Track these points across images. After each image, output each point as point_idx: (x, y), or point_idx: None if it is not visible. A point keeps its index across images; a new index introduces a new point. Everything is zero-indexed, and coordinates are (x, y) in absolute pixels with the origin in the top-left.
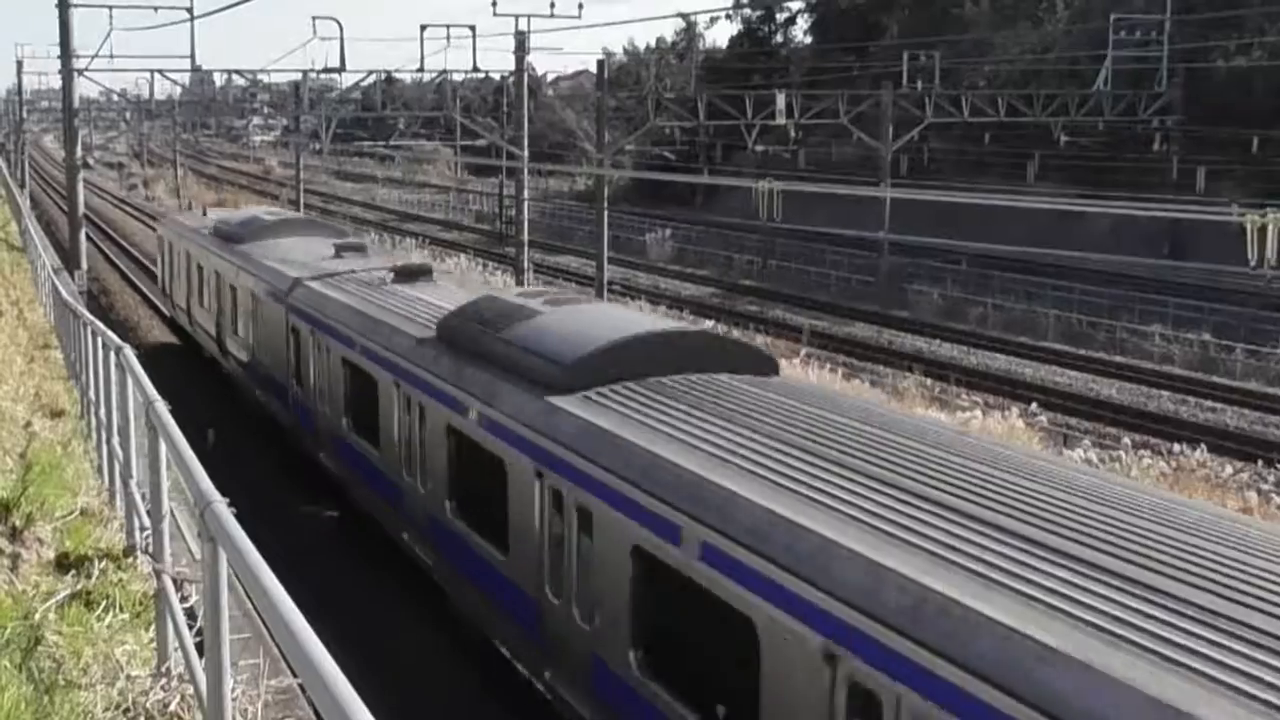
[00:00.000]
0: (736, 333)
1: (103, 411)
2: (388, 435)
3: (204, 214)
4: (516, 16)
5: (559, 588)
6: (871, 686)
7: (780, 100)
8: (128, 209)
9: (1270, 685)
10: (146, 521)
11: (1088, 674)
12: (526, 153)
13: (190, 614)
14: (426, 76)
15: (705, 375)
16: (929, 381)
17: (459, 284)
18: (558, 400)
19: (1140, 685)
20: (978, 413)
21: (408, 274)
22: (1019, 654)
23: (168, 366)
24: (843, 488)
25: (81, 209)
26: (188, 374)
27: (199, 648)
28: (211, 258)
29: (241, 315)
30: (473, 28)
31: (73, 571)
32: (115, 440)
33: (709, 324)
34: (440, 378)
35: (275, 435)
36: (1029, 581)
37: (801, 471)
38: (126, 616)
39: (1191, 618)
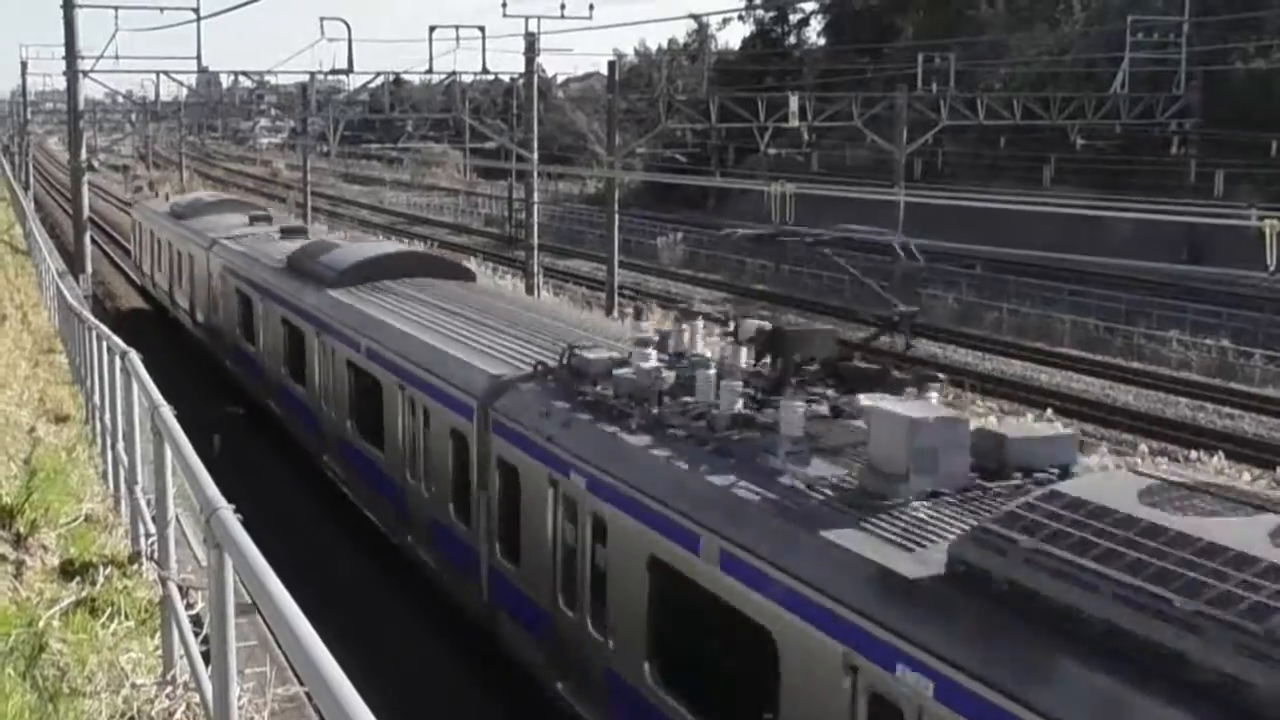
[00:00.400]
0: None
1: (108, 417)
2: (252, 331)
3: (166, 199)
4: (526, 18)
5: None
6: None
7: (793, 102)
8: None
9: None
10: (152, 528)
11: None
12: (536, 155)
13: (196, 621)
14: (435, 78)
15: (420, 279)
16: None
17: (315, 235)
18: (332, 291)
19: None
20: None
21: (289, 232)
22: None
23: (172, 370)
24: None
25: (86, 212)
26: (194, 379)
27: (205, 655)
28: (165, 231)
29: (183, 271)
30: (482, 29)
31: (77, 578)
32: (120, 446)
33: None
34: (281, 289)
35: (282, 441)
36: None
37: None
38: (132, 624)
39: None
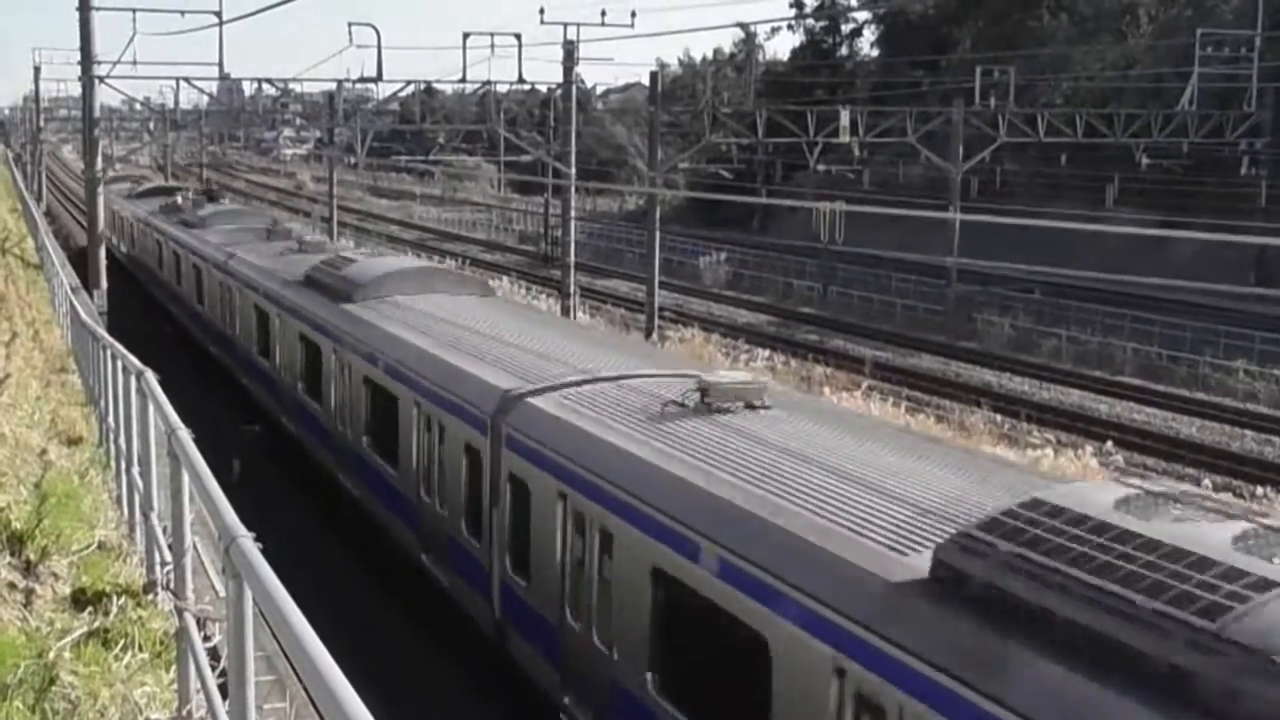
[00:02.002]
0: (794, 363)
1: (122, 439)
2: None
3: (130, 187)
4: (565, 25)
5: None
6: None
7: (844, 117)
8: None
9: None
10: (168, 556)
11: None
12: (574, 170)
13: (213, 654)
14: (469, 88)
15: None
16: (998, 418)
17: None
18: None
19: None
20: (1049, 451)
21: (155, 191)
22: None
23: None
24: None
25: (101, 225)
26: (213, 400)
27: (222, 690)
28: (125, 208)
29: (135, 238)
30: (518, 36)
31: (89, 608)
32: (135, 470)
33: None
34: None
35: (304, 465)
36: None
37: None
38: (146, 656)
39: None
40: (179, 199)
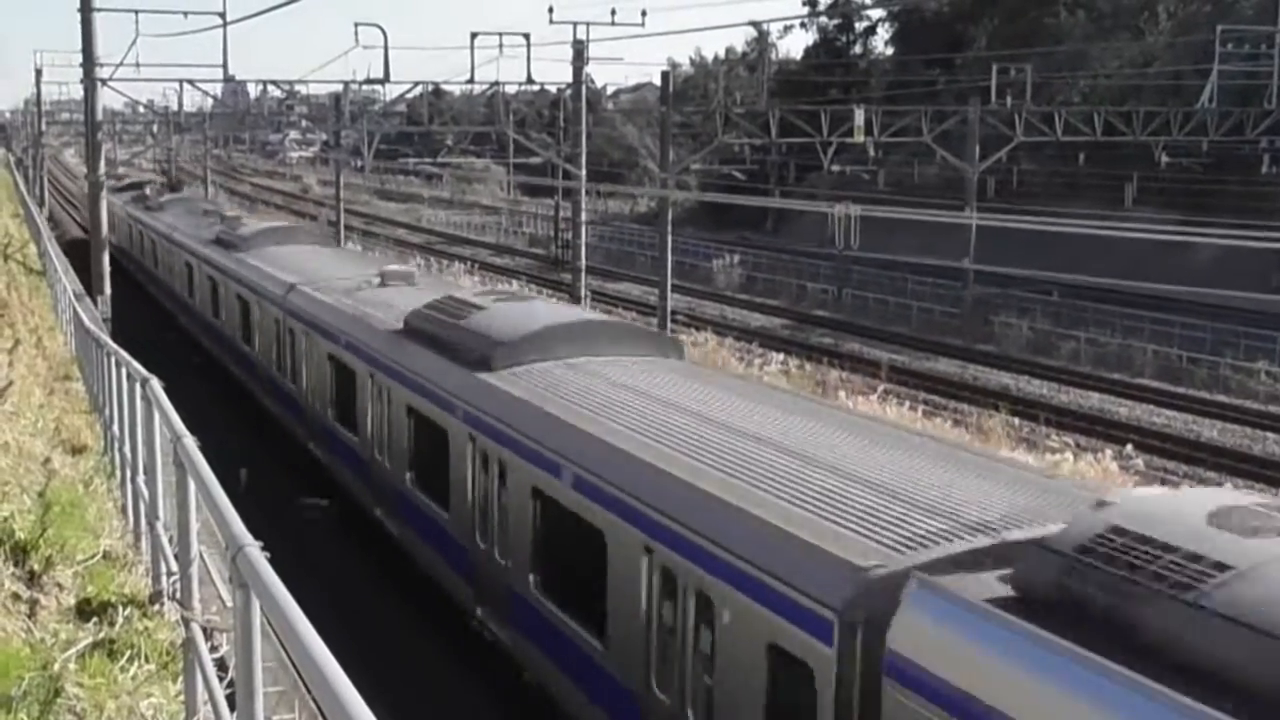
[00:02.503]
0: (809, 367)
1: (127, 448)
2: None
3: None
4: (574, 24)
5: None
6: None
7: (858, 116)
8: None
9: None
10: (174, 566)
11: None
12: (584, 171)
13: (221, 665)
14: (477, 89)
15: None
16: (1016, 421)
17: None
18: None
19: None
20: (1068, 455)
21: (130, 186)
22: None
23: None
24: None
25: (105, 229)
26: (219, 407)
27: (230, 701)
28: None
29: (114, 224)
30: (527, 36)
31: (95, 619)
32: (141, 479)
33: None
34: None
35: (317, 476)
36: None
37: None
38: (152, 667)
39: None
40: (147, 190)
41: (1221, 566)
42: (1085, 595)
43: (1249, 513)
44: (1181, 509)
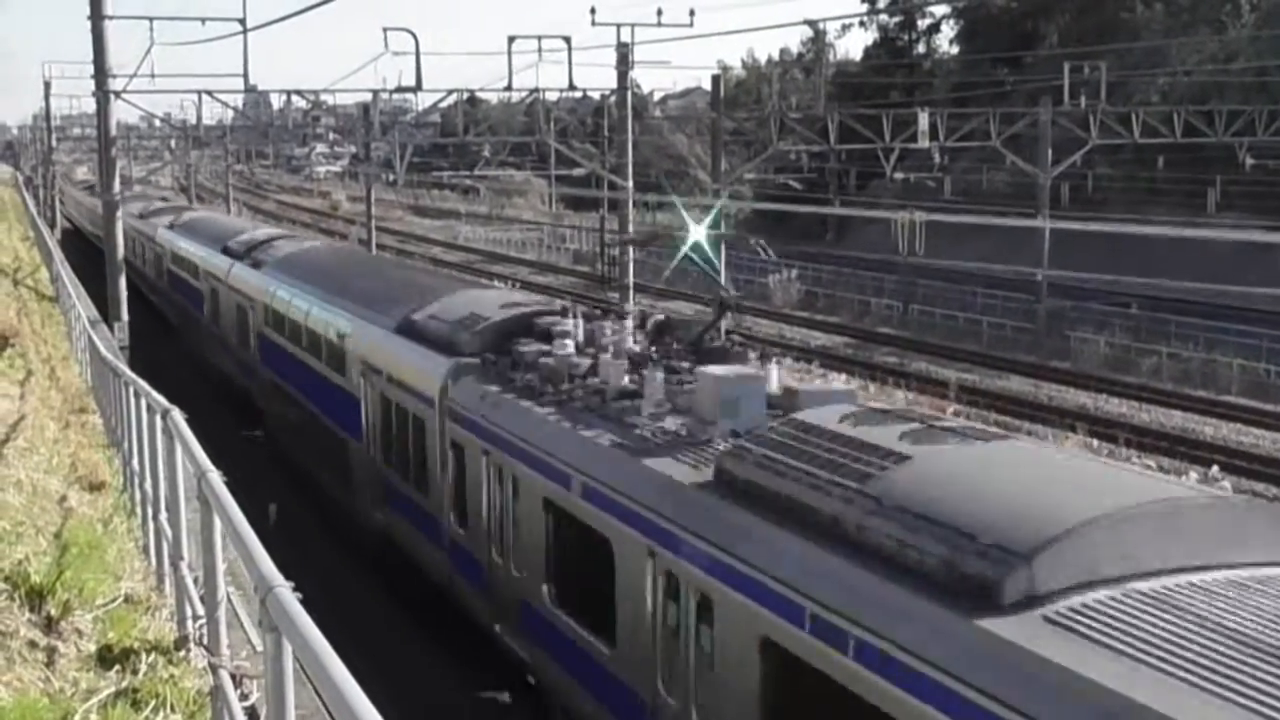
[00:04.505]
0: (873, 387)
1: (148, 484)
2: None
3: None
4: (618, 26)
5: None
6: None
7: (923, 120)
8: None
9: None
10: (200, 609)
11: None
12: (631, 183)
13: (251, 715)
14: (515, 96)
15: None
16: (1095, 442)
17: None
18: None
19: None
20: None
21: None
22: None
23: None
24: None
25: (121, 251)
26: (245, 439)
27: None
28: (85, 200)
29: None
30: (568, 39)
31: (117, 667)
32: (163, 516)
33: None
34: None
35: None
36: None
37: None
38: (179, 717)
39: None
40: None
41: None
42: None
43: (925, 414)
44: (859, 412)
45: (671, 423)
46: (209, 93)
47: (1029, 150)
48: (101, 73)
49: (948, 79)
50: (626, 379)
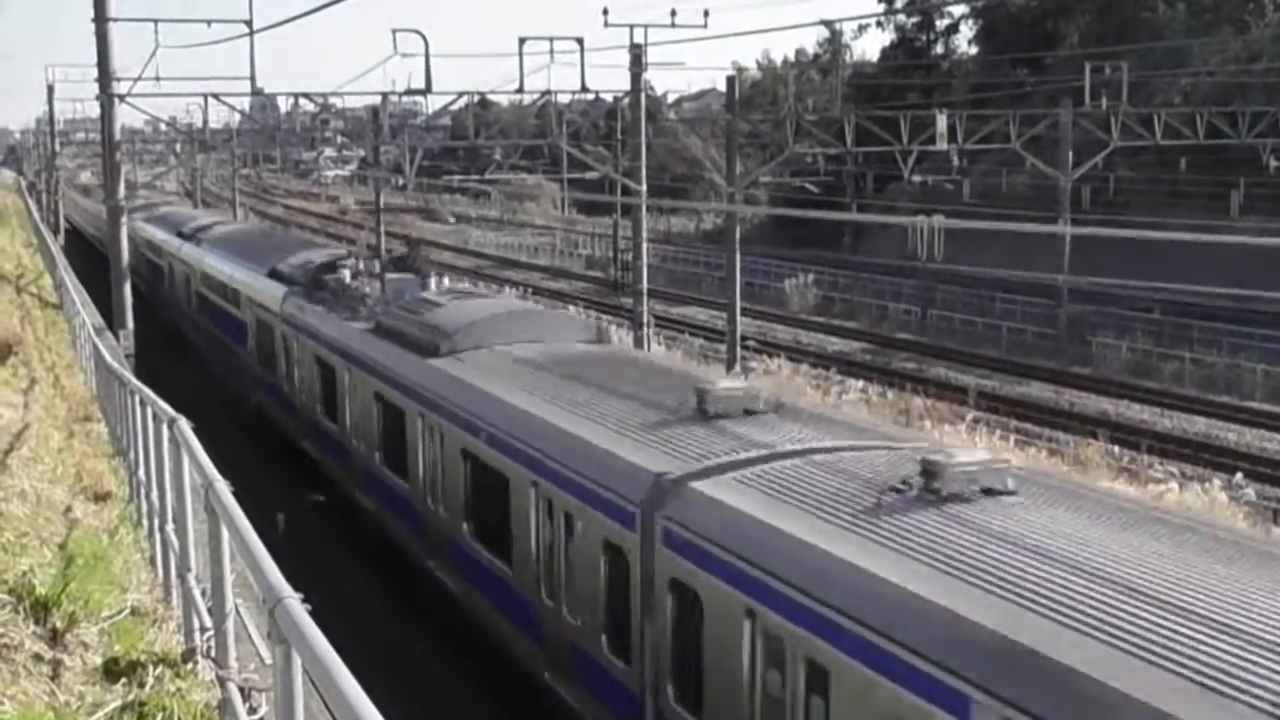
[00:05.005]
0: (891, 394)
1: (155, 494)
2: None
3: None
4: (631, 27)
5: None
6: None
7: (941, 122)
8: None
9: None
10: (208, 621)
11: None
12: (644, 187)
13: None
14: (527, 99)
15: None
16: (1116, 449)
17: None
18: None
19: None
20: (1173, 485)
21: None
22: None
23: (229, 439)
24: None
25: (125, 257)
26: (253, 448)
27: None
28: (81, 201)
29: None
30: (580, 41)
31: (123, 680)
32: (170, 527)
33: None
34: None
35: (355, 522)
36: None
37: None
38: None
39: None
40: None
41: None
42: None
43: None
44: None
45: (379, 308)
46: (215, 96)
47: (1049, 152)
48: (106, 76)
49: (966, 80)
50: (368, 289)
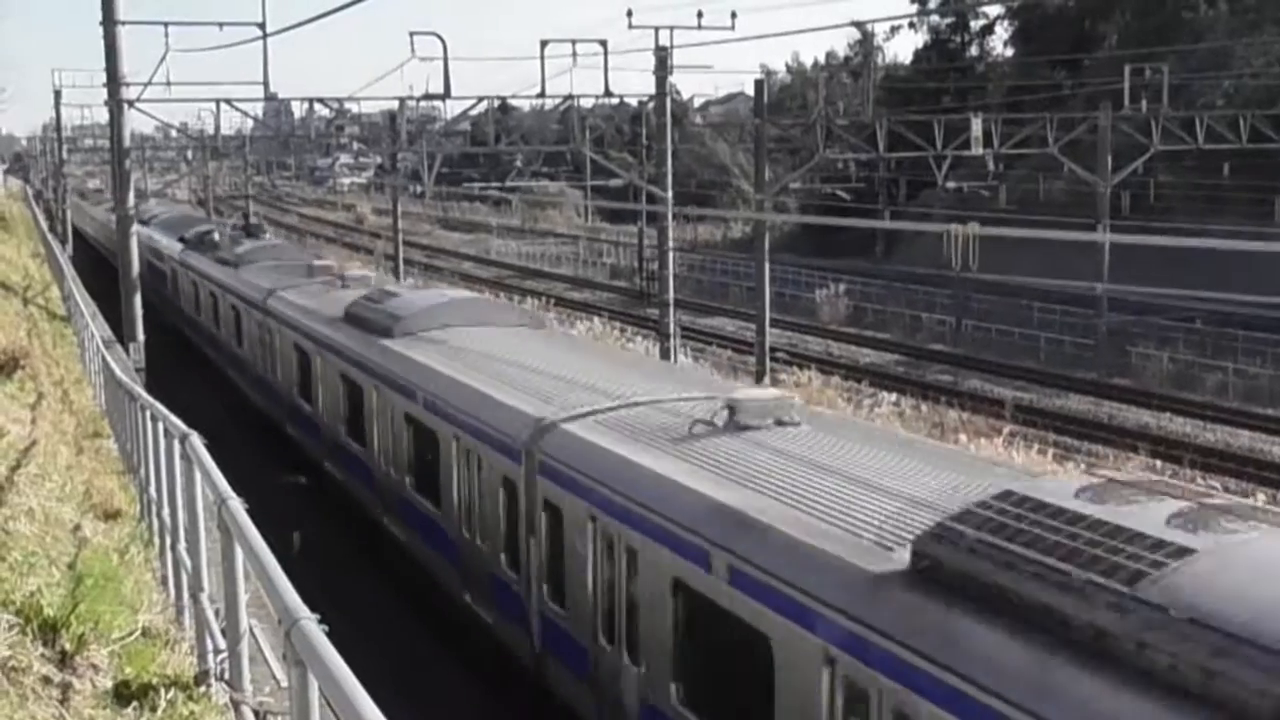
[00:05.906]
0: (925, 407)
1: (166, 512)
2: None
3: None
4: (656, 29)
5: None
6: None
7: (976, 126)
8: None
9: None
10: (221, 642)
11: None
12: (670, 194)
13: None
14: (549, 103)
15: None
16: (1157, 463)
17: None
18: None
19: None
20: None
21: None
22: None
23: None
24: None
25: (136, 268)
26: (267, 464)
27: None
28: (87, 209)
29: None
30: (604, 43)
31: (135, 703)
32: (182, 546)
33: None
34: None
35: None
36: None
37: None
38: None
39: None
40: (106, 193)
41: None
42: None
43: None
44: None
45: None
46: (227, 101)
47: (1087, 157)
48: (115, 81)
49: (1002, 83)
50: (235, 245)
